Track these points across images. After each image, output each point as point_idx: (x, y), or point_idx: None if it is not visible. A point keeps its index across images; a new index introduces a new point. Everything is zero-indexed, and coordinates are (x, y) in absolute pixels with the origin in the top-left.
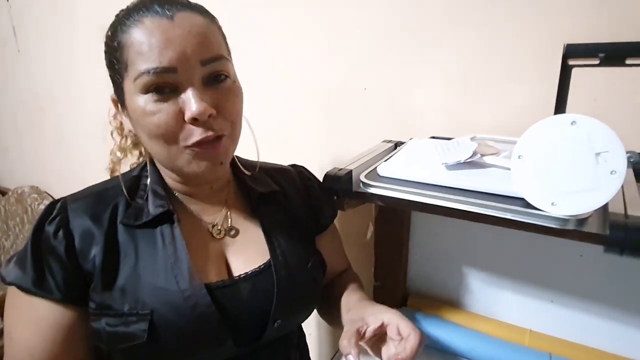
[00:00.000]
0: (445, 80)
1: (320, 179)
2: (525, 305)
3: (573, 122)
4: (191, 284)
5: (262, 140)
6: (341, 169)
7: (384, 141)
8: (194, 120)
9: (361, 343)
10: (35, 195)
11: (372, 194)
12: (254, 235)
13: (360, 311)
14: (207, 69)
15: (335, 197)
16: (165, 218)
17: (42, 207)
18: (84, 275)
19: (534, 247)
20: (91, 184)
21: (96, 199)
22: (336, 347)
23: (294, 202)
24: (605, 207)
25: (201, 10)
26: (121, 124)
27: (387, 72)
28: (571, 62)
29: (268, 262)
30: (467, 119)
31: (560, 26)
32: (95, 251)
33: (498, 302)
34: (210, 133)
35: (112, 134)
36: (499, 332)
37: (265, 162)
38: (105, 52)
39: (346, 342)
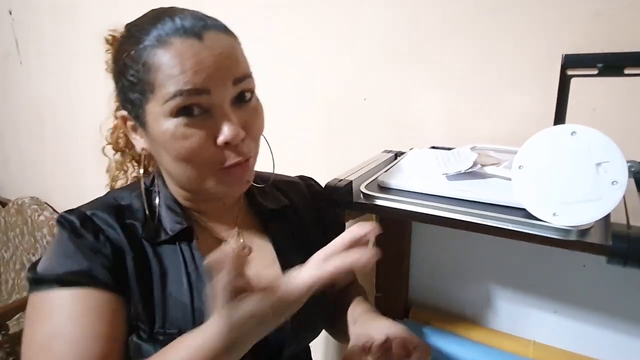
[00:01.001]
0: (445, 90)
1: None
2: (529, 317)
3: (573, 133)
4: None
5: (262, 150)
6: (341, 179)
7: (384, 151)
8: (226, 144)
9: (368, 358)
10: (36, 207)
11: (372, 204)
12: (266, 253)
13: (365, 325)
14: (237, 88)
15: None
16: (184, 235)
17: (42, 218)
18: (126, 275)
19: (537, 257)
20: (91, 194)
21: (115, 211)
22: (341, 353)
23: (303, 216)
24: (607, 218)
25: (225, 29)
26: (117, 140)
27: (387, 82)
28: (570, 72)
29: None
30: (467, 129)
31: (559, 36)
32: (128, 262)
33: (501, 314)
34: (241, 158)
35: (103, 149)
36: (503, 343)
37: (274, 174)
38: (123, 70)
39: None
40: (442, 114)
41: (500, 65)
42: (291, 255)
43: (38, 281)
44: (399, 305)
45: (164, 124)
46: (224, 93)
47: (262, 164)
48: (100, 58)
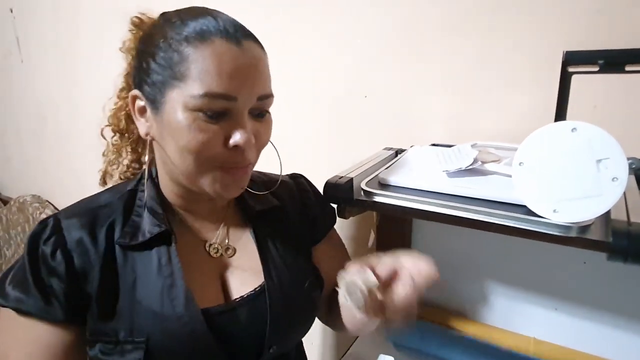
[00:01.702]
0: (446, 87)
1: (321, 186)
2: (529, 313)
3: (573, 129)
4: (188, 309)
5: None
6: (342, 176)
7: (384, 149)
8: (235, 147)
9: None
10: (37, 205)
11: (373, 201)
12: (250, 255)
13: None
14: (259, 104)
15: (337, 205)
16: (162, 238)
17: (44, 216)
18: (85, 297)
19: (537, 254)
20: (92, 192)
21: (91, 216)
22: (339, 354)
23: (292, 216)
24: (607, 214)
25: (258, 41)
26: (119, 121)
27: (387, 79)
28: (571, 69)
29: (263, 284)
30: (468, 126)
31: (560, 33)
32: (93, 274)
33: (501, 310)
34: (245, 163)
35: (102, 131)
36: (503, 340)
37: (264, 173)
38: (153, 52)
39: (356, 268)
40: (443, 111)
41: (501, 62)
42: (276, 260)
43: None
44: None
45: (181, 114)
46: (247, 103)
47: (264, 164)
48: (100, 56)
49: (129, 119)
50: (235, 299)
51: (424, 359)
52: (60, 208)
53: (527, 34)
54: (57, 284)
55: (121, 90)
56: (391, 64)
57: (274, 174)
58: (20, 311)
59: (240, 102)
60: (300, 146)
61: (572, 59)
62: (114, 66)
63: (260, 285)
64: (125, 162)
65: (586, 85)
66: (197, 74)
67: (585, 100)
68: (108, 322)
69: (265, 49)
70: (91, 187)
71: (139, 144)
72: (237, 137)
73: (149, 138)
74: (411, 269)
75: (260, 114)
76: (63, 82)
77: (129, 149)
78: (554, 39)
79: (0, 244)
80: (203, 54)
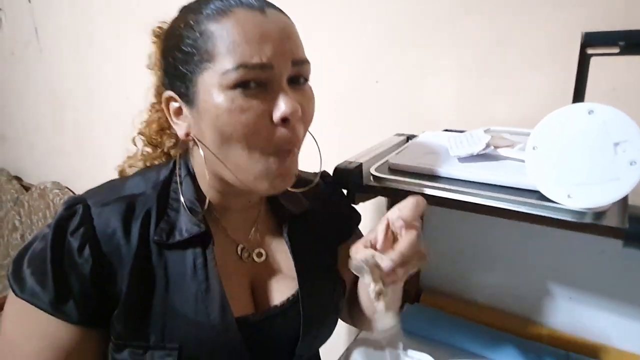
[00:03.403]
0: (459, 72)
1: (331, 173)
2: (543, 302)
3: (590, 112)
4: (223, 318)
5: None
6: (351, 162)
7: (396, 135)
8: (283, 121)
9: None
10: (57, 191)
11: (382, 187)
12: (282, 260)
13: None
14: (295, 69)
15: (346, 191)
16: (199, 238)
17: None
18: (108, 299)
19: (552, 242)
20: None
21: (124, 206)
22: (344, 341)
23: (321, 218)
24: (624, 200)
25: (281, 10)
26: (151, 134)
27: (399, 64)
28: (590, 51)
29: (296, 293)
30: (482, 112)
31: (578, 14)
32: (122, 273)
33: (513, 299)
34: (295, 139)
35: (134, 140)
36: (514, 328)
37: (320, 173)
38: (177, 43)
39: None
40: (456, 96)
41: (516, 45)
42: (309, 268)
43: (10, 284)
44: (411, 290)
45: (218, 96)
46: (283, 70)
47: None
48: (117, 44)
49: (162, 131)
50: (270, 307)
51: (434, 346)
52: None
53: (544, 14)
54: (78, 282)
55: (152, 105)
56: (403, 48)
57: (308, 172)
58: (35, 305)
59: (277, 69)
60: (310, 132)
61: (592, 41)
62: (130, 55)
63: (293, 295)
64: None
65: (605, 67)
66: (226, 48)
67: (605, 83)
68: (139, 326)
69: None
70: (109, 173)
71: (166, 156)
72: (282, 108)
73: (190, 138)
74: (398, 215)
75: (297, 81)
76: (80, 71)
77: (156, 162)
78: (572, 19)
79: (23, 229)
80: (227, 26)
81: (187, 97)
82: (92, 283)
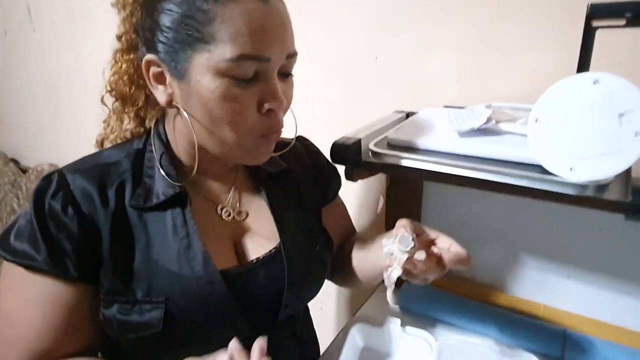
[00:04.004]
0: (460, 47)
1: (329, 149)
2: (541, 280)
3: (596, 81)
4: (206, 270)
5: None
6: (349, 137)
7: (395, 111)
8: (268, 111)
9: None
10: None
11: (381, 163)
12: (263, 217)
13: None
14: (287, 62)
15: (344, 168)
16: (176, 200)
17: None
18: (96, 254)
19: (552, 219)
20: None
21: (99, 172)
22: (342, 322)
23: (301, 178)
24: (627, 172)
25: None
26: (121, 86)
27: (399, 40)
28: (595, 24)
29: (278, 246)
30: (484, 88)
31: None
32: (104, 232)
33: (512, 278)
34: (279, 126)
35: (102, 99)
36: (512, 306)
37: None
38: (172, 11)
39: (406, 222)
40: (457, 72)
41: (519, 19)
42: (289, 221)
43: (2, 254)
44: None
45: (212, 81)
46: (278, 63)
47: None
48: (112, 22)
49: (132, 83)
50: (252, 260)
51: (431, 324)
52: None
53: None
54: (68, 240)
55: (120, 52)
56: (403, 24)
57: (284, 137)
58: (30, 268)
59: (273, 62)
60: (309, 109)
61: (597, 12)
62: None
63: (275, 247)
64: (129, 127)
65: (611, 40)
66: (228, 35)
67: (610, 57)
68: (125, 282)
69: None
70: None
71: (143, 109)
72: (271, 101)
73: (172, 106)
74: (448, 246)
75: (286, 74)
76: (74, 50)
77: (132, 115)
78: None
79: (21, 213)
80: (232, 13)
81: (176, 69)
82: (82, 239)
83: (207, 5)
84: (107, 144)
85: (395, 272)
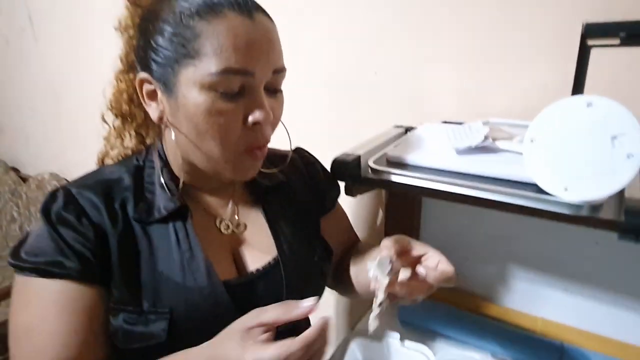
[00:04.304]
0: (459, 63)
1: (328, 164)
2: (538, 294)
3: (589, 104)
4: (210, 281)
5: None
6: (349, 154)
7: (394, 126)
8: (255, 125)
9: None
10: (55, 182)
11: (380, 179)
12: (261, 230)
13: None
14: (274, 77)
15: (344, 183)
16: (178, 214)
17: None
18: (109, 262)
19: (549, 234)
20: None
21: (104, 188)
22: (342, 331)
23: (299, 190)
24: (621, 193)
25: (267, 13)
26: (120, 104)
27: (398, 55)
28: (590, 42)
29: (276, 258)
30: (481, 103)
31: (579, 4)
32: (112, 243)
33: (510, 291)
34: (264, 141)
35: (103, 117)
36: (510, 319)
37: (272, 149)
38: (160, 29)
39: (389, 243)
40: (456, 88)
41: (516, 36)
42: (287, 233)
43: (19, 267)
44: None
45: (198, 95)
46: (263, 78)
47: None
48: (113, 32)
49: (132, 102)
50: (251, 271)
51: (430, 337)
52: None
53: (544, 4)
54: (87, 247)
55: (121, 72)
56: (402, 39)
57: (281, 150)
58: (54, 275)
59: (257, 76)
60: (308, 124)
61: (592, 32)
62: None
63: (273, 259)
64: (130, 145)
65: (606, 59)
66: (213, 50)
67: (605, 75)
68: (133, 293)
69: (275, 23)
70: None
71: (143, 127)
72: (256, 114)
73: (163, 122)
74: (435, 264)
75: (274, 91)
76: (75, 60)
77: (132, 133)
78: (572, 9)
79: (21, 221)
80: (217, 29)
81: (166, 85)
82: (98, 247)
83: (193, 22)
84: (108, 161)
85: (378, 298)
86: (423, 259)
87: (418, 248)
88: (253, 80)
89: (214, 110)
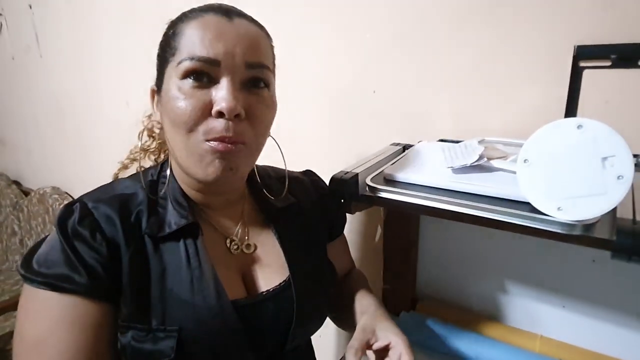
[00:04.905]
0: (455, 82)
1: (327, 182)
2: (536, 311)
3: (579, 126)
4: (219, 300)
5: (268, 143)
6: (347, 172)
7: (392, 144)
8: (219, 114)
9: (367, 351)
10: (57, 196)
11: (378, 197)
12: (272, 250)
13: (373, 322)
14: (250, 72)
15: (342, 200)
16: (188, 230)
17: None
18: (120, 279)
19: (545, 251)
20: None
21: (119, 203)
22: (341, 350)
23: (309, 213)
24: (613, 212)
25: (259, 24)
26: (153, 126)
27: (396, 74)
28: (582, 64)
29: (287, 279)
30: (477, 122)
31: (571, 27)
32: (124, 259)
33: (508, 307)
34: (230, 134)
35: (139, 135)
36: (509, 337)
37: (273, 168)
38: (161, 41)
39: (353, 353)
40: (452, 107)
41: (511, 57)
42: (298, 255)
43: (29, 279)
44: (406, 298)
45: (173, 83)
46: (234, 70)
47: (269, 160)
48: (117, 50)
49: (159, 124)
50: (262, 292)
51: (428, 354)
52: None
53: (538, 27)
54: (99, 263)
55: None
56: (400, 58)
57: (292, 171)
58: (64, 290)
59: (224, 67)
60: (307, 141)
61: (584, 54)
62: (130, 60)
63: (285, 280)
64: (149, 164)
65: (598, 80)
66: (185, 43)
67: (597, 96)
68: (142, 310)
69: (273, 43)
70: (109, 179)
71: (163, 151)
72: (221, 103)
73: (161, 130)
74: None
75: (255, 85)
76: (79, 76)
77: (154, 153)
78: (565, 32)
79: (22, 234)
80: (192, 26)
81: (160, 88)
82: (110, 263)
83: (177, 28)
84: (123, 174)
85: None
86: (389, 347)
87: (383, 337)
88: (220, 70)
89: (180, 95)
